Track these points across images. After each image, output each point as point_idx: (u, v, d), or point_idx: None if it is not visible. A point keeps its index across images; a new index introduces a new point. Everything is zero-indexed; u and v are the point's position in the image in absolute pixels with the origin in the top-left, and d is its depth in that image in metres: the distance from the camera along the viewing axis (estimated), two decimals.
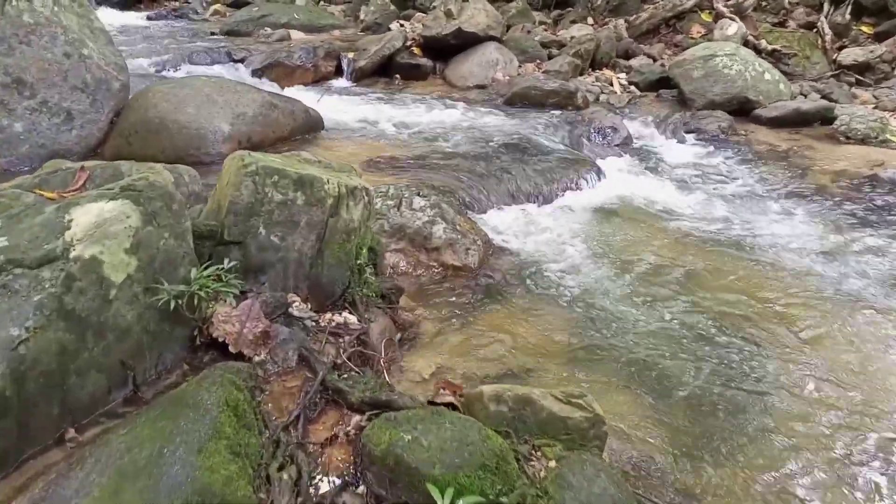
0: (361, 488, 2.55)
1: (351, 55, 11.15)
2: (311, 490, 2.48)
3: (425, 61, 11.07)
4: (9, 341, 2.47)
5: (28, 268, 2.68)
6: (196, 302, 3.09)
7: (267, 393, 3.04)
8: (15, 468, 2.49)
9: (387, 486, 2.47)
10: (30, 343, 2.51)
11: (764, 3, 11.70)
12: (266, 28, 13.33)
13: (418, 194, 5.24)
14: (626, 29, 11.82)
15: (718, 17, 11.42)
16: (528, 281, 4.79)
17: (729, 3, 11.60)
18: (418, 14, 14.13)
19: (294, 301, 3.78)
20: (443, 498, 2.06)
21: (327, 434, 2.84)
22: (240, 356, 3.15)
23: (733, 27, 10.52)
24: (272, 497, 2.33)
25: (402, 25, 12.85)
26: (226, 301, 3.38)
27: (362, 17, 14.84)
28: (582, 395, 2.76)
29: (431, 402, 2.98)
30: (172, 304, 2.98)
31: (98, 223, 2.85)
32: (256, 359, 3.21)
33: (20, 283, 2.63)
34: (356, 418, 2.90)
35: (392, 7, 14.63)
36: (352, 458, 2.72)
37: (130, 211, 2.95)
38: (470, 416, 2.72)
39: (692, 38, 11.18)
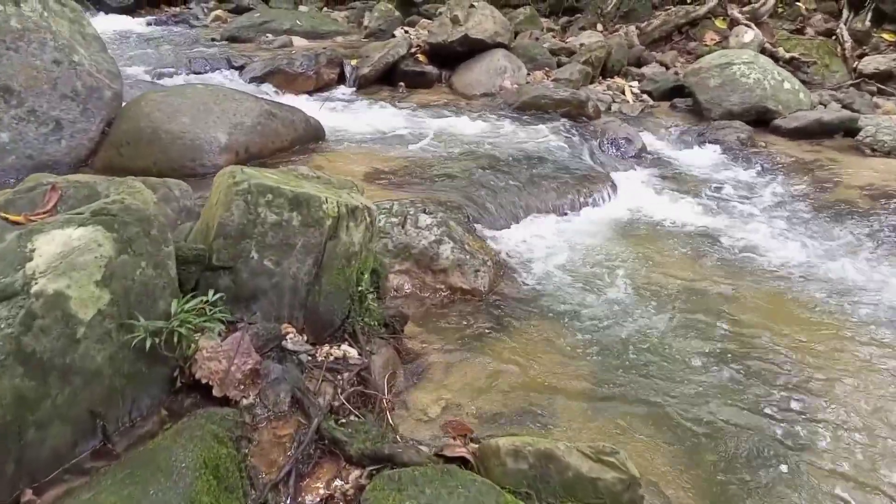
0: None
1: (354, 62, 10.85)
2: None
3: (431, 69, 10.76)
4: None
5: None
6: (177, 339, 2.76)
7: (255, 444, 2.70)
8: None
9: None
10: None
11: (780, 10, 11.38)
12: (268, 34, 13.06)
13: (424, 211, 4.91)
14: (638, 36, 11.50)
15: (733, 23, 11.09)
16: (543, 306, 4.45)
17: (744, 9, 11.28)
18: (423, 20, 13.84)
19: (289, 332, 3.44)
20: None
21: (322, 493, 2.50)
22: (225, 400, 2.81)
23: (750, 34, 10.19)
24: None
25: (406, 32, 12.56)
26: (212, 334, 3.05)
27: (366, 23, 14.57)
28: (613, 451, 2.41)
29: (440, 455, 2.64)
30: (149, 343, 2.64)
31: (64, 253, 2.52)
32: (244, 402, 2.87)
33: None
34: (355, 473, 2.56)
35: (396, 13, 14.36)
36: None
37: (102, 239, 2.62)
38: (485, 477, 2.37)
39: (706, 45, 10.86)
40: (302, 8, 16.84)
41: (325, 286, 3.54)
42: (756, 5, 11.25)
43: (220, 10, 16.55)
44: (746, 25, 10.55)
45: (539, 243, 5.31)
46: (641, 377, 3.74)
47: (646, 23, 11.88)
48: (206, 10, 17.28)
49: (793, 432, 3.33)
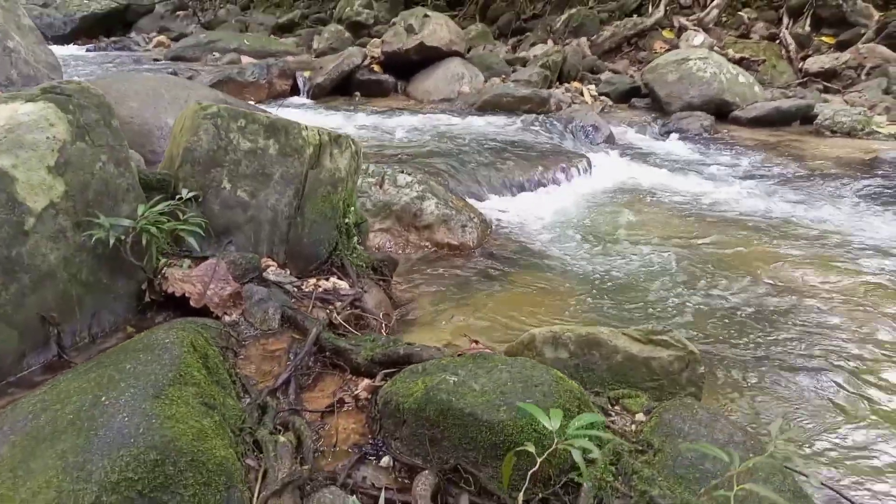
0: (385, 460, 1.82)
1: (307, 74, 10.60)
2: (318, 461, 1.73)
3: (387, 77, 10.60)
4: None
5: None
6: (144, 243, 2.34)
7: (242, 357, 2.29)
8: None
9: (425, 448, 1.74)
10: None
11: (725, 19, 11.76)
12: (215, 53, 12.72)
13: (402, 172, 4.61)
14: (590, 47, 11.67)
15: (681, 31, 11.38)
16: (531, 259, 4.17)
17: (691, 18, 11.60)
18: (375, 40, 13.77)
19: (269, 266, 3.05)
20: (549, 418, 1.35)
21: (328, 401, 2.10)
22: (205, 313, 2.39)
23: (699, 38, 10.45)
24: (265, 464, 1.58)
25: (360, 45, 12.42)
26: (180, 265, 2.64)
27: (316, 45, 14.39)
28: (666, 329, 2.11)
29: (460, 356, 2.28)
30: (112, 241, 2.22)
31: (10, 128, 2.11)
32: (227, 318, 2.46)
33: None
34: (365, 382, 2.17)
35: (347, 34, 14.26)
36: (366, 427, 1.98)
37: (55, 118, 2.21)
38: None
39: (656, 52, 11.07)
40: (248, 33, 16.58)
41: (308, 216, 3.17)
42: (701, 14, 11.61)
43: (161, 37, 16.14)
44: (695, 30, 10.83)
45: (522, 210, 5.07)
46: (626, 306, 3.51)
47: (595, 35, 12.08)
48: (146, 38, 16.84)
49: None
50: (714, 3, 11.86)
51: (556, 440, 1.35)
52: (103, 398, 1.50)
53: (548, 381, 1.77)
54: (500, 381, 1.77)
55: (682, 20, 11.45)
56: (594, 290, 3.73)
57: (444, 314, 3.47)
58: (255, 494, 1.47)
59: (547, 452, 1.37)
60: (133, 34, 17.37)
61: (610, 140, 7.42)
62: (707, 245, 4.46)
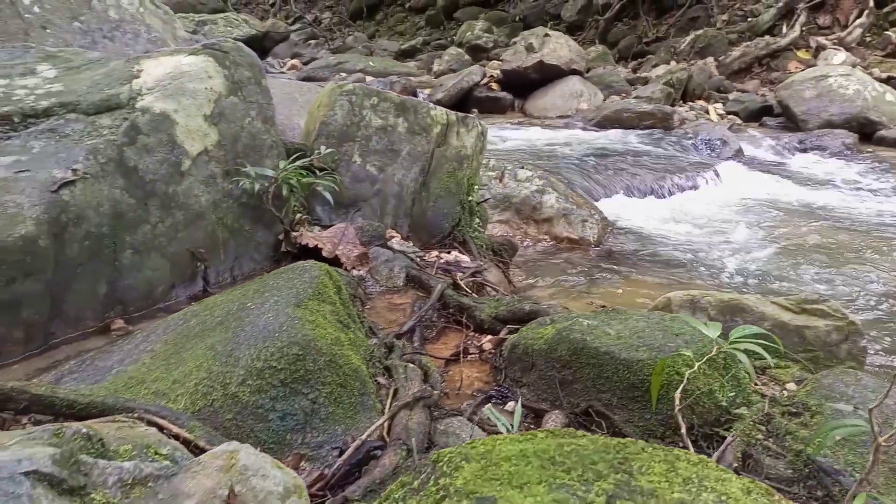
0: (511, 405, 1.76)
1: (427, 91, 10.90)
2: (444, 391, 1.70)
3: (504, 95, 10.69)
4: (49, 182, 1.86)
5: (84, 113, 2.11)
6: (285, 194, 2.45)
7: (369, 307, 2.32)
8: (40, 351, 1.82)
9: (554, 391, 1.67)
10: (75, 190, 1.89)
11: (869, 39, 10.99)
12: (342, 73, 13.36)
13: (522, 167, 4.58)
14: (717, 67, 11.24)
15: (819, 51, 10.73)
16: (654, 258, 4.00)
17: (830, 37, 10.93)
18: (494, 62, 13.98)
19: (394, 237, 3.10)
20: (708, 327, 1.26)
21: (452, 351, 2.08)
22: (335, 265, 2.46)
23: (839, 56, 9.81)
24: (396, 383, 1.57)
25: (481, 64, 12.63)
26: (311, 230, 2.74)
27: (436, 67, 14.80)
28: (822, 299, 1.93)
29: None
30: (257, 188, 2.34)
31: (174, 75, 2.28)
32: (355, 272, 2.51)
33: (72, 129, 2.05)
34: (489, 337, 2.13)
35: (466, 57, 14.56)
36: (490, 376, 1.94)
37: (213, 71, 2.38)
38: None
39: (790, 73, 10.49)
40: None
41: (433, 190, 3.21)
42: (842, 34, 10.91)
43: (295, 60, 17.21)
44: (835, 49, 10.18)
45: (645, 214, 4.90)
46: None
47: (723, 56, 11.63)
48: (281, 62, 18.02)
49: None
50: (857, 21, 11.12)
51: (715, 346, 1.25)
52: (249, 304, 1.56)
53: (689, 332, 1.65)
54: (636, 328, 1.68)
55: (821, 40, 10.80)
56: (718, 290, 3.52)
57: (561, 304, 3.38)
58: (388, 405, 1.47)
59: (706, 358, 1.27)
60: (270, 59, 18.60)
61: (739, 154, 7.06)
62: (849, 252, 4.10)
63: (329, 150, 2.70)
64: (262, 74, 2.57)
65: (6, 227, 1.74)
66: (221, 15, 17.86)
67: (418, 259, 2.96)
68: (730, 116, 9.35)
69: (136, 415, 1.21)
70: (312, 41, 22.32)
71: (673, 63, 12.49)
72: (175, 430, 1.18)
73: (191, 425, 1.20)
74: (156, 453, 0.97)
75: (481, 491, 0.67)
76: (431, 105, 3.41)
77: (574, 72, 10.59)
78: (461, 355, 2.03)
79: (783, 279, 3.62)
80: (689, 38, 12.72)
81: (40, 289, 1.80)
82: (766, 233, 4.45)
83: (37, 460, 0.81)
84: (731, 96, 10.14)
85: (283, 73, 16.01)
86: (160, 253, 2.14)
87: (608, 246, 4.14)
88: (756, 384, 1.83)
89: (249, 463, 0.86)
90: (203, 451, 1.09)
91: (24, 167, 1.88)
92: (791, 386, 1.80)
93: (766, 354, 1.28)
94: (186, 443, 1.17)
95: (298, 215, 2.56)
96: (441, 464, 0.78)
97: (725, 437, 1.51)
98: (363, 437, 1.32)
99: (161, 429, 1.17)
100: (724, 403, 1.54)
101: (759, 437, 1.52)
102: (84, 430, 0.91)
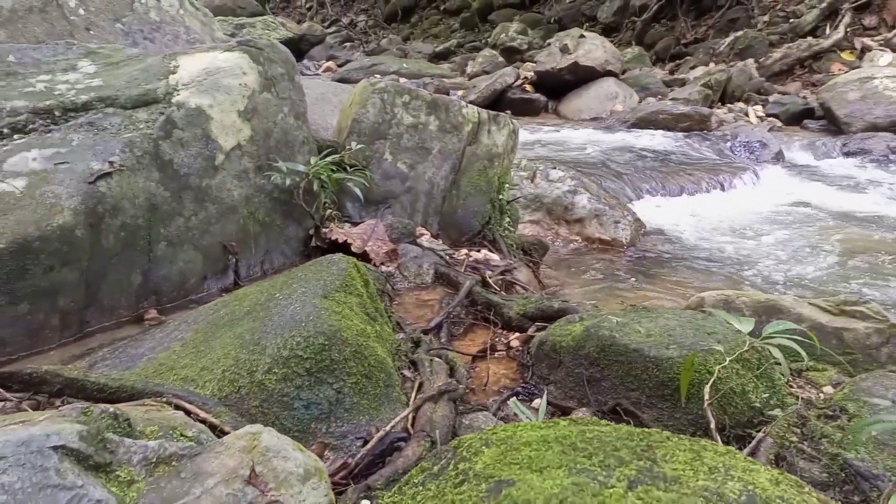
0: (538, 402, 1.74)
1: (460, 92, 10.91)
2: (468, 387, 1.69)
3: (538, 96, 10.63)
4: (86, 174, 1.90)
5: (122, 107, 2.15)
6: (315, 188, 2.47)
7: (396, 303, 2.32)
8: (75, 339, 1.86)
9: (581, 389, 1.65)
10: (112, 181, 1.94)
11: None
12: (376, 75, 13.45)
13: (554, 167, 4.55)
14: (757, 69, 10.99)
15: (864, 52, 10.43)
16: (687, 261, 3.92)
17: (876, 38, 10.62)
18: (528, 64, 13.92)
19: (423, 234, 3.10)
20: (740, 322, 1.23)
21: (479, 348, 2.06)
22: (364, 260, 2.47)
23: (887, 57, 9.52)
24: (422, 377, 1.57)
25: (515, 66, 12.59)
26: (342, 227, 2.76)
27: (469, 69, 14.80)
28: (862, 300, 1.87)
29: None
30: (288, 183, 2.36)
31: (209, 71, 2.32)
32: (384, 269, 2.52)
33: (110, 122, 2.10)
34: (517, 334, 2.11)
35: (500, 59, 14.53)
36: (517, 373, 1.93)
37: (247, 67, 2.41)
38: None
39: (833, 75, 10.22)
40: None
41: (463, 188, 3.20)
42: (889, 35, 10.58)
43: (330, 63, 17.40)
44: (881, 50, 9.89)
45: (680, 215, 4.82)
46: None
47: (764, 57, 11.39)
48: (317, 64, 18.25)
49: None
50: None
51: (747, 341, 1.22)
52: (277, 294, 1.57)
53: (722, 331, 1.62)
54: (667, 326, 1.65)
55: (866, 41, 10.49)
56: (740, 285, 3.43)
57: (591, 303, 3.34)
58: (413, 397, 1.46)
59: (738, 353, 1.23)
60: (306, 61, 18.84)
61: (779, 157, 6.90)
62: (892, 258, 3.97)
63: (359, 145, 2.71)
64: (294, 71, 2.59)
65: (45, 217, 1.78)
66: (260, 18, 18.13)
67: (447, 257, 2.95)
68: (769, 119, 9.14)
69: (164, 399, 1.23)
70: (347, 44, 22.53)
71: (711, 65, 12.28)
72: (202, 414, 1.19)
73: (217, 410, 1.21)
74: (181, 435, 0.99)
75: (500, 474, 0.66)
76: (463, 103, 3.41)
77: (609, 73, 10.49)
78: (488, 352, 2.02)
79: (822, 283, 3.52)
80: (728, 40, 12.49)
81: (76, 277, 1.84)
82: (805, 237, 4.33)
83: (65, 436, 0.82)
84: (771, 98, 9.91)
85: (318, 74, 16.19)
86: (193, 245, 2.18)
87: (641, 247, 4.09)
88: (791, 386, 1.78)
89: (271, 444, 0.87)
90: None
91: (63, 159, 1.93)
92: (828, 389, 1.74)
93: (800, 350, 1.24)
94: (213, 427, 1.18)
95: (329, 211, 2.58)
96: (461, 449, 0.77)
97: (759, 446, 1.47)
98: (387, 427, 1.32)
99: (188, 413, 1.19)
100: (757, 404, 1.50)
101: (794, 439, 1.48)
102: (111, 410, 0.93)
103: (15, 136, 2.02)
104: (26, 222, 1.75)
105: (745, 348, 1.26)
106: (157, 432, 0.96)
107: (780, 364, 1.81)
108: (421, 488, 0.75)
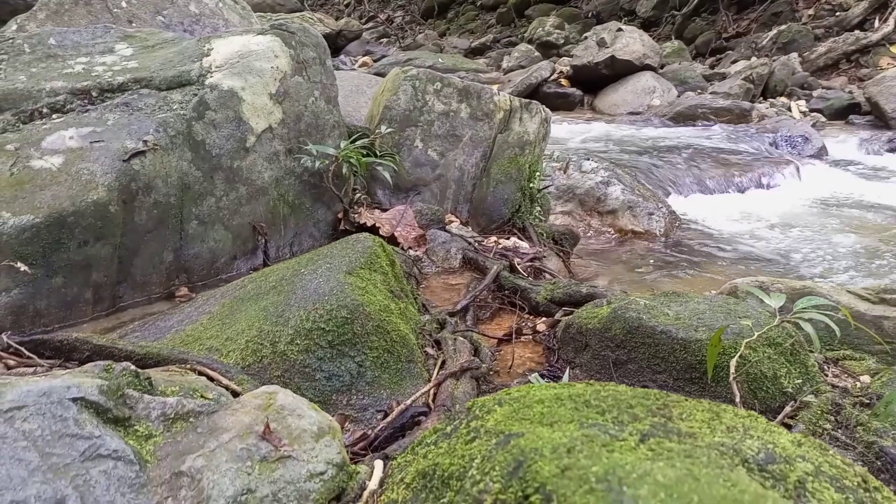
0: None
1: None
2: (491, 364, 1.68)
3: (573, 91, 10.52)
4: (121, 152, 1.94)
5: (156, 88, 2.19)
6: (345, 172, 2.48)
7: (423, 286, 2.32)
8: (108, 313, 1.90)
9: (607, 372, 1.62)
10: (145, 160, 1.97)
11: None
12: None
13: (588, 158, 4.49)
14: (801, 63, 10.70)
15: None
16: (722, 254, 3.84)
17: None
18: (564, 58, 13.79)
19: (452, 221, 3.09)
20: (770, 298, 1.19)
21: (505, 332, 2.05)
22: (393, 244, 2.47)
23: None
24: (445, 355, 1.56)
25: (551, 61, 12.48)
26: (371, 213, 2.77)
27: (505, 64, 14.74)
28: None
29: None
30: (318, 165, 2.38)
31: (242, 53, 2.34)
32: (412, 253, 2.52)
33: (145, 103, 2.14)
34: (543, 318, 2.09)
35: (536, 53, 14.42)
36: (542, 357, 1.90)
37: (279, 51, 2.43)
38: None
39: (881, 70, 9.89)
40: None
41: (494, 176, 3.18)
42: None
43: (366, 58, 17.51)
44: None
45: (717, 208, 4.72)
46: None
47: (808, 52, 11.08)
48: (353, 59, 18.38)
49: None
50: None
51: (777, 318, 1.18)
52: (302, 270, 1.58)
53: (756, 315, 1.57)
54: (697, 309, 1.61)
55: None
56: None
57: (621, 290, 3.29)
58: (434, 374, 1.46)
59: (766, 328, 1.20)
60: (342, 56, 19.00)
61: (822, 152, 6.71)
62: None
63: (389, 129, 2.71)
64: (326, 55, 2.60)
65: (80, 193, 1.82)
66: (298, 14, 18.34)
67: (476, 244, 2.94)
68: (813, 114, 8.89)
69: (188, 366, 1.24)
70: (384, 39, 22.63)
71: (753, 59, 11.99)
72: (224, 381, 1.21)
73: (239, 378, 1.22)
74: (202, 396, 0.99)
75: (510, 429, 0.65)
76: (494, 91, 3.38)
77: (647, 67, 10.33)
78: (514, 335, 2.00)
79: (863, 278, 3.41)
80: (771, 34, 12.18)
81: (109, 253, 1.88)
82: (847, 232, 4.20)
83: (84, 388, 0.84)
84: (815, 93, 9.64)
85: (353, 69, 16.31)
86: (223, 225, 2.20)
87: (675, 240, 4.01)
88: (826, 374, 1.72)
89: (286, 403, 0.87)
90: None
91: (98, 138, 1.97)
92: (865, 378, 1.68)
93: (833, 325, 1.20)
94: (235, 394, 1.19)
95: (358, 195, 2.59)
96: (475, 409, 0.76)
97: (790, 427, 1.42)
98: (408, 401, 1.31)
99: (211, 380, 1.20)
100: (789, 390, 1.45)
101: (827, 426, 1.43)
102: (132, 368, 0.94)
103: (53, 116, 2.07)
104: (62, 197, 1.79)
105: (775, 323, 1.22)
106: (177, 392, 0.97)
107: (813, 351, 1.75)
108: (433, 447, 0.74)
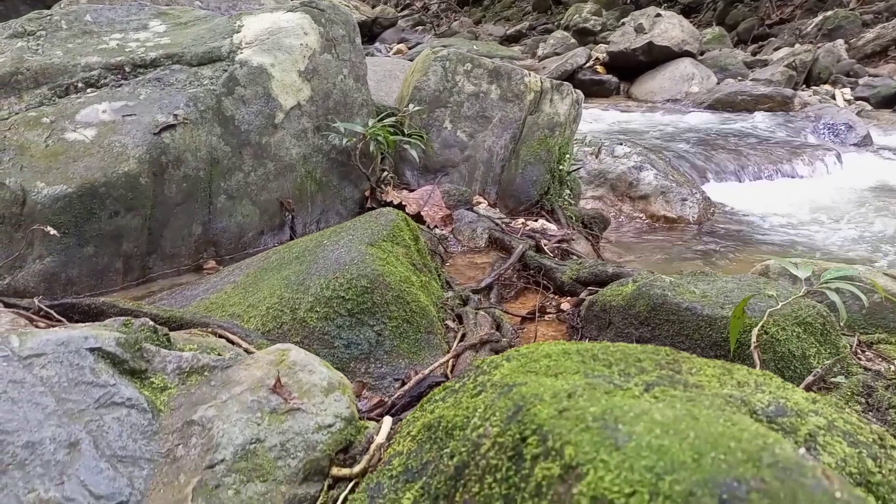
0: None
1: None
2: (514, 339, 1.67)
3: (609, 78, 10.37)
4: (152, 126, 1.97)
5: (188, 64, 2.22)
6: (372, 150, 2.48)
7: (448, 264, 2.32)
8: (138, 282, 1.94)
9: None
10: (175, 133, 2.00)
11: None
12: None
13: (621, 143, 4.42)
14: (847, 50, 10.36)
15: None
16: (758, 242, 3.74)
17: None
18: (600, 45, 13.58)
19: (480, 202, 3.08)
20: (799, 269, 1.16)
21: (529, 311, 2.03)
22: (419, 222, 2.47)
23: None
24: (465, 328, 1.55)
25: (587, 47, 12.31)
26: (399, 191, 2.77)
27: (540, 51, 14.58)
28: None
29: None
30: (345, 143, 2.38)
31: (272, 30, 2.36)
32: (438, 231, 2.51)
33: (176, 78, 2.16)
34: (568, 297, 2.07)
35: (572, 40, 14.23)
36: (566, 336, 1.88)
37: (309, 28, 2.43)
38: None
39: None
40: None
41: (523, 157, 3.15)
42: None
43: (401, 45, 17.52)
44: None
45: (754, 195, 4.61)
46: None
47: (855, 38, 10.71)
48: (388, 47, 18.41)
49: None
50: None
51: (803, 288, 1.14)
52: (325, 242, 1.59)
53: (785, 294, 1.53)
54: (724, 288, 1.57)
55: None
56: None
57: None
58: (454, 346, 1.45)
59: (793, 297, 1.16)
60: (377, 44, 19.03)
61: (866, 141, 6.49)
62: None
63: (417, 108, 2.70)
64: (356, 33, 2.60)
65: (112, 165, 1.86)
66: (335, 1, 18.35)
67: (503, 225, 2.93)
68: (858, 102, 8.60)
69: (209, 329, 1.26)
70: (419, 27, 22.58)
71: (797, 46, 11.64)
72: (244, 345, 1.22)
73: (259, 342, 1.24)
74: (219, 354, 1.01)
75: (515, 381, 0.64)
76: (525, 72, 3.35)
77: (686, 53, 10.11)
78: (537, 314, 1.98)
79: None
80: (817, 20, 11.81)
81: (139, 224, 1.92)
82: (887, 220, 4.07)
83: (102, 340, 0.85)
84: (861, 81, 9.32)
85: (388, 56, 16.34)
86: (251, 200, 2.23)
87: (709, 226, 3.93)
88: (859, 357, 1.67)
89: (298, 359, 0.87)
90: None
91: (130, 111, 2.00)
92: None
93: (861, 294, 1.16)
94: None
95: (385, 174, 2.59)
96: (483, 365, 0.75)
97: None
98: (426, 371, 1.31)
99: (231, 343, 1.21)
100: (819, 371, 1.41)
101: (858, 408, 1.38)
102: (151, 324, 0.96)
103: (88, 90, 2.11)
104: (94, 168, 1.83)
105: (801, 294, 1.18)
106: (195, 350, 0.99)
107: (844, 333, 1.70)
108: (440, 402, 0.74)
